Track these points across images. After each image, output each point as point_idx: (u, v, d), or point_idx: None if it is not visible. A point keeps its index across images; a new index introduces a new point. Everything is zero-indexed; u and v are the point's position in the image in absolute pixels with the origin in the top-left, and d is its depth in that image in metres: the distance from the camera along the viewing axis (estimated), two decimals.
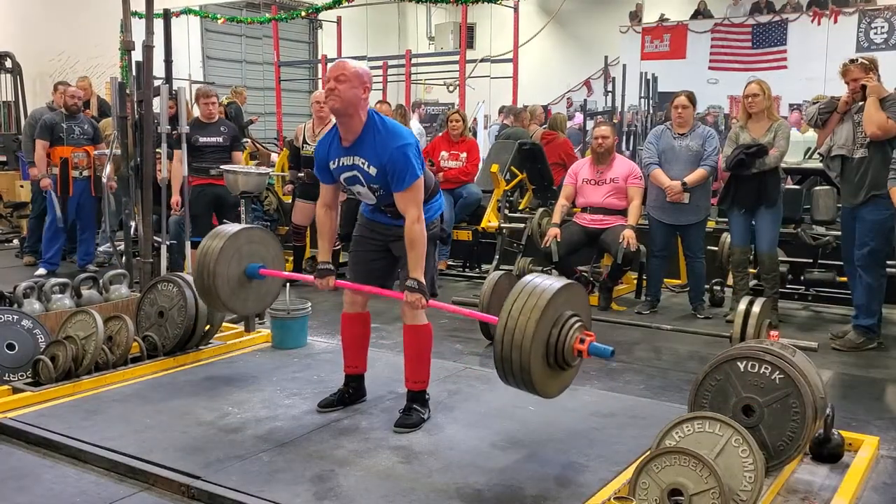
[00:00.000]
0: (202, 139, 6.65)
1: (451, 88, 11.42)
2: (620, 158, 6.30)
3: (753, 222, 5.55)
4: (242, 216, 6.31)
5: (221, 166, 6.28)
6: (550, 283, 2.99)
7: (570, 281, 3.14)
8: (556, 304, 2.93)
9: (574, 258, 6.16)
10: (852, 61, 4.98)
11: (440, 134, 8.11)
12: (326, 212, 3.65)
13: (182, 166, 6.17)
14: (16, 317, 4.05)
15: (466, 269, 7.68)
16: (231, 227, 3.93)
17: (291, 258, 7.18)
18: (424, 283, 3.36)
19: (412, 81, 11.32)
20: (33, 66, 11.92)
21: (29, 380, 3.90)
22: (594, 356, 3.01)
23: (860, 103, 4.91)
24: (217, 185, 6.49)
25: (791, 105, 12.70)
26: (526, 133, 8.83)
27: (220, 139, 6.69)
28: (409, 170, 3.30)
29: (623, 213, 5.97)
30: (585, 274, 6.29)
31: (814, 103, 5.77)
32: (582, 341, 2.98)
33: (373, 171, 3.35)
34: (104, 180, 6.90)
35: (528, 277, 3.06)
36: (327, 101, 3.37)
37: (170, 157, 5.66)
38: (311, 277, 3.72)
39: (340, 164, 3.44)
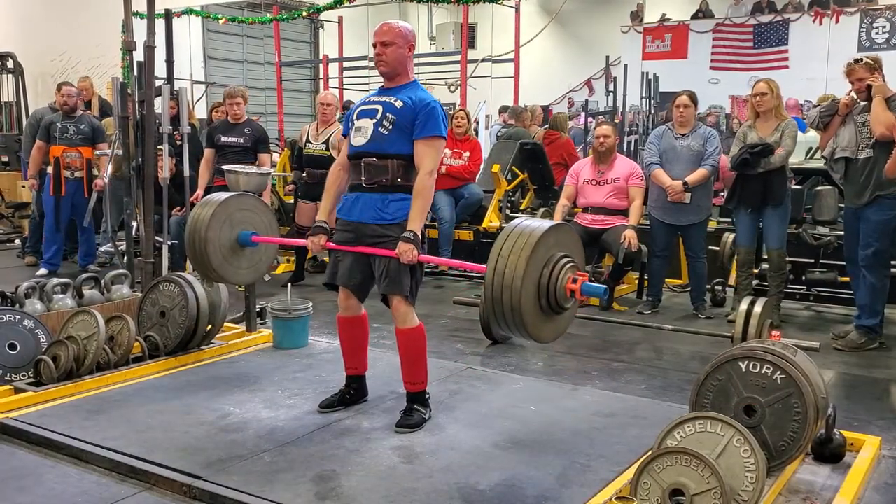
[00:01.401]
0: (224, 138, 6.66)
1: (452, 88, 11.43)
2: (622, 158, 6.30)
3: (760, 222, 5.55)
4: None
5: (224, 166, 6.28)
6: (539, 223, 2.94)
7: (559, 222, 3.08)
8: (547, 244, 2.88)
9: None
10: (857, 61, 4.95)
11: None
12: (339, 172, 3.63)
13: (208, 166, 6.20)
14: (17, 317, 4.05)
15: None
16: (221, 195, 3.91)
17: (293, 259, 7.19)
18: (419, 236, 3.33)
19: None
20: (35, 67, 11.94)
21: (30, 380, 3.90)
22: (587, 296, 2.97)
23: (862, 104, 4.90)
24: None
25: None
26: (527, 133, 8.83)
27: (241, 140, 6.67)
28: (436, 123, 3.37)
29: (624, 213, 5.97)
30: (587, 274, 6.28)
31: (816, 105, 5.76)
32: (574, 281, 2.92)
33: (399, 104, 3.39)
34: (105, 180, 6.90)
35: (516, 220, 3.00)
36: (377, 66, 3.46)
37: (171, 156, 5.67)
38: (304, 242, 3.68)
39: (368, 100, 3.51)
